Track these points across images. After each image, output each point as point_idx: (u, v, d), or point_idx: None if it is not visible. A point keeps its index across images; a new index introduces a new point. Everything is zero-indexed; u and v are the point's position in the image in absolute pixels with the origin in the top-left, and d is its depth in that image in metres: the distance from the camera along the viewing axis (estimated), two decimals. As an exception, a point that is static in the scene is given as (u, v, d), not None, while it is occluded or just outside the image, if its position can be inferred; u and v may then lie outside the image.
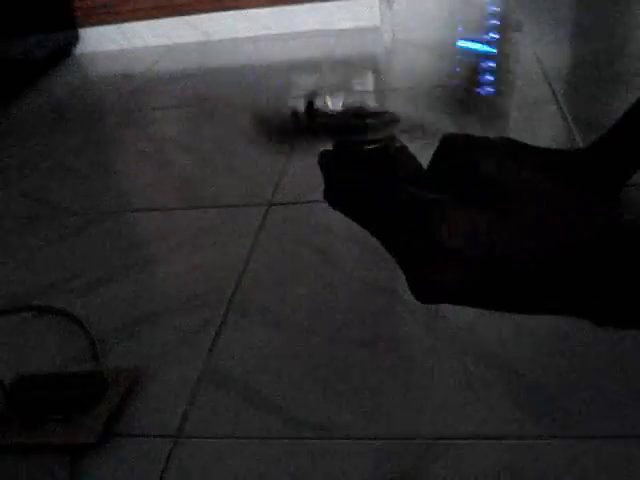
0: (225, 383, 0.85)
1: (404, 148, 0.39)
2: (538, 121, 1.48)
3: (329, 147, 0.40)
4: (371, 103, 0.40)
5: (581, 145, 1.26)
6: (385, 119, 0.39)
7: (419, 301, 0.38)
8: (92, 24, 2.41)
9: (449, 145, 0.40)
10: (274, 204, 1.26)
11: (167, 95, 1.94)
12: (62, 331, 0.99)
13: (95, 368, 0.89)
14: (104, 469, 0.76)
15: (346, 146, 0.38)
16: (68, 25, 2.36)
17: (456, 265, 0.36)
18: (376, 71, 1.98)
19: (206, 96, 1.88)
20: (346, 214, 0.39)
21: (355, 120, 0.39)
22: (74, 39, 2.40)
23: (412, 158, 0.39)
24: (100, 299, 1.05)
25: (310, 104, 0.39)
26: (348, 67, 1.97)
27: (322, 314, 0.96)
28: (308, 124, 0.39)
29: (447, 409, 0.77)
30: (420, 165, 0.39)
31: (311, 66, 2.00)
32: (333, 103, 0.40)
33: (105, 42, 2.42)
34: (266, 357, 0.89)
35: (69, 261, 1.17)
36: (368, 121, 0.38)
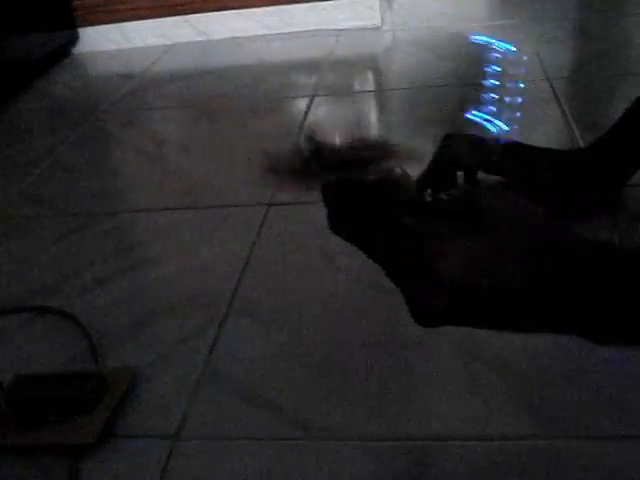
0: (225, 383, 0.85)
1: (405, 176, 0.40)
2: (539, 120, 1.48)
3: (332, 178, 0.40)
4: (370, 134, 0.41)
5: (581, 145, 1.26)
6: (385, 150, 0.39)
7: (420, 325, 0.40)
8: (91, 23, 2.41)
9: (448, 145, 0.41)
10: (274, 204, 1.26)
11: (167, 95, 1.94)
12: (62, 331, 0.99)
13: (94, 368, 0.89)
14: (104, 469, 0.76)
15: (348, 178, 0.39)
16: (67, 24, 2.36)
17: (454, 292, 0.36)
18: (376, 71, 1.98)
19: (206, 96, 1.88)
20: (349, 242, 0.40)
21: (357, 154, 0.40)
22: (73, 38, 2.39)
23: (412, 186, 0.40)
24: (100, 299, 1.05)
25: (312, 142, 0.40)
26: (348, 67, 1.97)
27: (322, 314, 0.96)
28: (314, 162, 0.40)
29: (447, 409, 0.77)
30: (420, 193, 0.40)
31: (311, 66, 2.00)
32: (333, 137, 0.40)
33: (104, 42, 2.42)
34: (266, 357, 0.89)
35: (69, 261, 1.17)
36: (369, 154, 0.39)
